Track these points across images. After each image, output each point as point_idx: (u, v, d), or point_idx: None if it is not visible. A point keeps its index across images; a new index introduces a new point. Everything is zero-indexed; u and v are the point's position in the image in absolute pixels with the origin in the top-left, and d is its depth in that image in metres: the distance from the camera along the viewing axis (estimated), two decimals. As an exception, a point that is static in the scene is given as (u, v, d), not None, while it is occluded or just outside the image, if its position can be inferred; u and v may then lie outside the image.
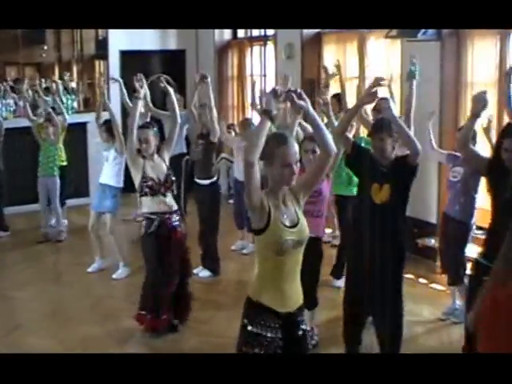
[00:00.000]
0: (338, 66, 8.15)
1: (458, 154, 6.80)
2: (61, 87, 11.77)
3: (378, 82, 5.54)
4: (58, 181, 10.03)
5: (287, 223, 3.88)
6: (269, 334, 3.87)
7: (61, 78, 13.55)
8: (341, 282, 7.35)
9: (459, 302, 6.89)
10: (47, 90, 12.35)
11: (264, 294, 3.91)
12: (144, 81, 6.93)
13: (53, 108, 10.44)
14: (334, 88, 8.44)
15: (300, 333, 4.02)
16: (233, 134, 10.86)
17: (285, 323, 3.93)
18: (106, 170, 8.50)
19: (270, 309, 3.89)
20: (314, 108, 4.46)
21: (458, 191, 6.81)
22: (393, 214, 5.43)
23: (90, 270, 8.60)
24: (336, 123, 6.37)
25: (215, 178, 8.55)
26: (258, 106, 9.12)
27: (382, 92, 7.82)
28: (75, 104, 13.48)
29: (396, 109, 6.79)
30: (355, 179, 6.46)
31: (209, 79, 8.27)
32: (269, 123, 3.77)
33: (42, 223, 10.30)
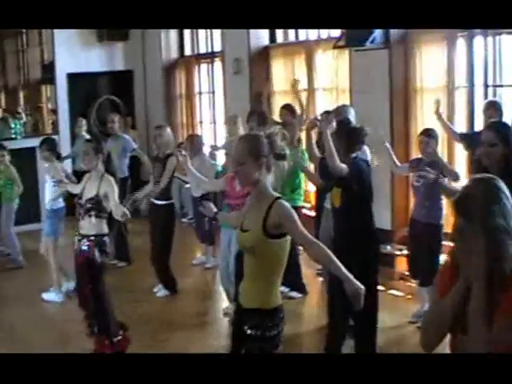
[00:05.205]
0: (295, 82, 8.15)
1: (420, 157, 6.98)
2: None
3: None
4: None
5: None
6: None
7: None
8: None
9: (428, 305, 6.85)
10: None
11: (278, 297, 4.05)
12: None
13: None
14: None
15: None
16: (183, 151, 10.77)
17: None
18: None
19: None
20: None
21: (423, 195, 6.84)
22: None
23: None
24: None
25: (172, 200, 8.43)
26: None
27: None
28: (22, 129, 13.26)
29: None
30: None
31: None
32: None
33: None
